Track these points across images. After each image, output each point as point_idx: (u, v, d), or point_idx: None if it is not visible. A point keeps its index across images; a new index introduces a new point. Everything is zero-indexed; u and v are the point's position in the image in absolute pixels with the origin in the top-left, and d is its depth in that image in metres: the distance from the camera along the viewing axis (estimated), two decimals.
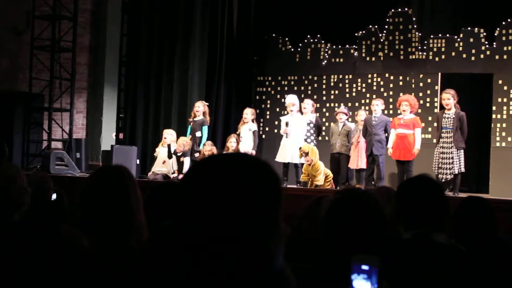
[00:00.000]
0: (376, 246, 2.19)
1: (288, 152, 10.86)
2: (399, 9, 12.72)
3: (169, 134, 11.63)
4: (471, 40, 12.09)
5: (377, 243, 2.26)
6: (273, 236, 1.42)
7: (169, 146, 11.38)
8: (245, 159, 1.47)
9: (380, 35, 12.86)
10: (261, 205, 1.40)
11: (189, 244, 1.40)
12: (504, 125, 11.68)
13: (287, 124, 10.99)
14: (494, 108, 11.80)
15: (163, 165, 11.53)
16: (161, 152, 11.65)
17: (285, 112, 11.49)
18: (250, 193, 1.38)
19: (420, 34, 12.58)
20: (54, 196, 5.20)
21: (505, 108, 11.67)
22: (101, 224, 2.88)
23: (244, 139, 11.30)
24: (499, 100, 11.74)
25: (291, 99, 11.24)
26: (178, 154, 11.28)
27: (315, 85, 13.43)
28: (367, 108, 11.72)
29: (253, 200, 1.38)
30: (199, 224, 1.38)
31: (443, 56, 12.34)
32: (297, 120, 10.99)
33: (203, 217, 1.38)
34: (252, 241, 1.38)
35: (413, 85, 12.46)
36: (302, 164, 10.67)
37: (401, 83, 12.64)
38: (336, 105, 12.82)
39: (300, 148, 10.47)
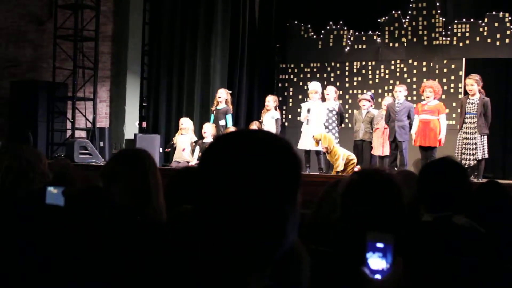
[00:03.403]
0: (393, 227, 2.17)
1: (307, 138, 10.81)
2: None
3: (186, 122, 11.70)
4: (496, 24, 11.95)
5: (394, 223, 2.25)
6: (289, 214, 1.41)
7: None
8: (263, 135, 1.46)
9: (403, 20, 12.76)
10: (280, 181, 1.38)
11: (205, 221, 1.40)
12: None
13: (308, 110, 10.94)
14: None
15: (183, 152, 11.55)
16: (179, 140, 11.67)
17: (306, 99, 11.45)
18: (268, 169, 1.37)
19: (443, 19, 12.46)
20: None
21: None
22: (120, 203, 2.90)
23: (267, 127, 11.28)
24: None
25: (314, 86, 11.18)
26: (204, 141, 11.30)
27: (338, 72, 13.37)
28: (390, 94, 11.65)
29: (271, 175, 1.37)
30: (216, 201, 1.38)
31: (467, 41, 12.23)
32: (318, 107, 10.94)
33: (220, 193, 1.37)
34: (269, 219, 1.37)
35: (437, 71, 12.36)
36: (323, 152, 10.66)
37: (424, 69, 12.54)
38: (359, 91, 12.76)
39: (312, 136, 10.42)
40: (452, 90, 12.19)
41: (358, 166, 10.34)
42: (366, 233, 1.64)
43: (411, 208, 2.77)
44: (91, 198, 2.45)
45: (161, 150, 12.26)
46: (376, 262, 1.61)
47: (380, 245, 1.61)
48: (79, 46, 13.28)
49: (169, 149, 12.30)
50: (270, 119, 11.34)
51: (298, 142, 10.94)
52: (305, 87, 12.67)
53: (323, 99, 11.19)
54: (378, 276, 1.60)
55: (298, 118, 11.70)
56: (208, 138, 11.28)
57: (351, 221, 2.30)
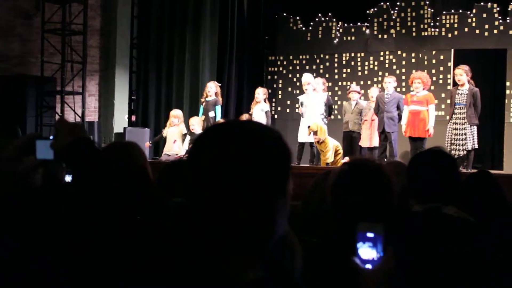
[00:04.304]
0: (383, 217, 2.17)
1: (305, 132, 10.83)
2: None
3: (178, 114, 11.68)
4: (484, 15, 11.99)
5: (384, 213, 2.25)
6: (279, 204, 1.41)
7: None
8: (253, 126, 1.45)
9: (392, 12, 12.77)
10: (270, 172, 1.38)
11: (195, 214, 1.40)
12: None
13: (302, 104, 10.96)
14: (508, 83, 11.74)
15: (174, 144, 11.53)
16: (169, 132, 11.64)
17: (297, 92, 11.45)
18: (258, 160, 1.37)
19: (432, 10, 12.49)
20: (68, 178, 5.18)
21: None
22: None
23: (257, 119, 11.24)
24: None
25: (306, 78, 11.18)
26: (191, 133, 11.28)
27: (327, 64, 13.38)
28: (379, 86, 11.66)
29: (261, 166, 1.37)
30: (205, 192, 1.37)
31: (456, 32, 12.26)
32: (312, 99, 10.94)
33: (210, 184, 1.37)
34: (259, 211, 1.37)
35: (425, 62, 12.39)
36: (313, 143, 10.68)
37: (413, 60, 12.57)
38: (348, 83, 12.78)
39: (308, 126, 10.45)
40: (441, 81, 12.22)
41: (347, 158, 10.37)
42: (356, 224, 1.64)
43: (401, 199, 2.77)
44: (80, 150, 2.42)
45: (150, 143, 12.21)
46: (367, 252, 1.61)
47: (370, 235, 1.61)
48: (67, 40, 13.19)
49: (151, 144, 12.21)
50: (260, 112, 11.33)
51: (288, 134, 10.95)
52: (295, 79, 12.68)
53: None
54: (368, 266, 1.60)
55: (288, 111, 11.73)
56: (197, 131, 11.25)
57: (341, 212, 2.30)
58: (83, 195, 2.36)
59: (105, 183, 2.42)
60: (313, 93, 11.04)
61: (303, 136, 10.80)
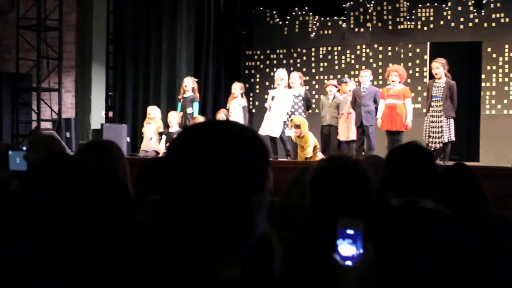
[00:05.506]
0: (362, 212, 2.18)
1: (268, 125, 10.80)
2: None
3: (154, 111, 11.65)
4: (459, 8, 12.07)
5: (363, 209, 2.26)
6: (258, 204, 1.41)
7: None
8: (230, 126, 1.46)
9: (368, 5, 12.81)
10: (248, 172, 1.38)
11: (174, 212, 1.40)
12: (493, 92, 11.71)
13: (272, 98, 10.95)
14: (483, 76, 11.83)
15: (150, 141, 11.49)
16: (146, 128, 11.61)
17: (274, 86, 11.45)
18: (236, 159, 1.37)
19: (408, 4, 12.56)
20: None
21: (494, 76, 11.69)
22: None
23: (234, 114, 11.25)
24: (488, 68, 11.76)
25: (279, 74, 11.16)
26: (170, 131, 11.25)
27: (304, 58, 13.40)
28: (356, 79, 11.70)
29: (239, 166, 1.37)
30: (184, 191, 1.37)
31: (431, 26, 12.34)
32: (283, 94, 10.91)
33: (188, 184, 1.37)
34: (238, 210, 1.37)
35: (402, 55, 12.46)
36: (289, 137, 10.66)
37: (390, 53, 12.63)
38: (325, 77, 12.81)
39: (291, 120, 10.44)
40: (417, 74, 12.30)
41: (320, 154, 10.38)
42: (336, 220, 1.65)
43: (379, 193, 2.79)
44: (54, 163, 2.40)
45: (128, 139, 12.17)
46: (347, 248, 1.62)
47: (350, 231, 1.62)
48: (43, 36, 13.09)
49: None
50: (237, 107, 11.31)
51: None
52: (272, 74, 12.66)
53: (290, 86, 11.16)
54: (349, 263, 1.61)
55: (265, 105, 11.71)
56: (174, 127, 11.23)
57: (320, 208, 2.31)
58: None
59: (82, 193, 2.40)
60: (285, 89, 10.99)
61: (267, 129, 10.73)
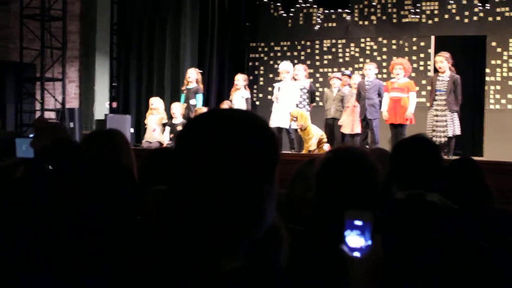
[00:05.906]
0: (368, 205, 2.18)
1: (277, 117, 10.81)
2: None
3: (156, 102, 11.64)
4: (464, 2, 12.04)
5: (369, 201, 2.25)
6: (267, 194, 1.41)
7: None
8: (240, 115, 1.45)
9: None
10: (254, 160, 1.38)
11: (182, 204, 1.39)
12: (497, 87, 11.69)
13: (279, 89, 10.94)
14: (487, 70, 11.80)
15: (154, 132, 11.49)
16: (149, 119, 11.61)
17: (279, 78, 11.43)
18: (239, 147, 1.37)
19: None
20: None
21: (498, 70, 11.66)
22: None
23: (237, 106, 11.21)
24: (493, 62, 11.73)
25: (284, 66, 11.13)
26: (174, 122, 11.24)
27: (308, 51, 13.38)
28: (360, 72, 11.67)
29: (243, 154, 1.37)
30: (188, 182, 1.37)
31: (436, 19, 12.30)
32: (289, 86, 10.90)
33: (191, 174, 1.37)
34: (248, 200, 1.37)
35: (406, 49, 12.43)
36: (295, 129, 10.66)
37: (394, 47, 12.60)
38: (330, 70, 12.79)
39: (290, 113, 10.45)
40: (421, 68, 12.27)
41: (328, 145, 10.39)
42: (344, 211, 1.64)
43: (384, 186, 2.79)
44: (58, 152, 2.41)
45: (132, 130, 12.18)
46: (355, 240, 1.61)
47: (358, 223, 1.61)
48: (47, 25, 13.07)
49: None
50: (240, 99, 11.30)
51: (269, 121, 10.92)
52: (276, 66, 12.65)
53: (295, 79, 11.14)
54: (357, 254, 1.61)
55: (269, 97, 11.71)
56: (178, 119, 11.22)
57: (327, 200, 2.31)
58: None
59: (87, 180, 2.41)
60: (291, 81, 10.98)
61: (277, 121, 10.74)
